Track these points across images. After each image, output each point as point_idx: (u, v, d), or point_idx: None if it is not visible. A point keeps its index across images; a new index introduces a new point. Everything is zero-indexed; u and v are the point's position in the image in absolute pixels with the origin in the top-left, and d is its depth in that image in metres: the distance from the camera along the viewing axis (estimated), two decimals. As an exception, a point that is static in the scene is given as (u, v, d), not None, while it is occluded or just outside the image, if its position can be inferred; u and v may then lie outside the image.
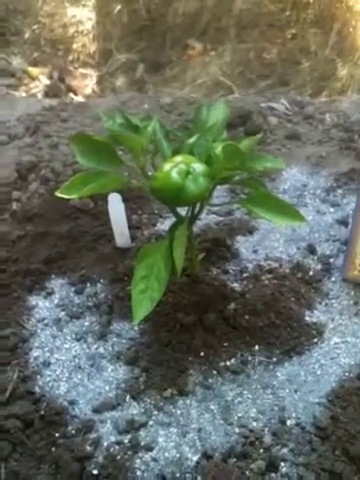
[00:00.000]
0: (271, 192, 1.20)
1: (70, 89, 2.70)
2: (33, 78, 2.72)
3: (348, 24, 2.67)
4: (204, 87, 2.67)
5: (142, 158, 0.86)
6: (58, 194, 0.77)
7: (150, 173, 0.90)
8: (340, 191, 1.24)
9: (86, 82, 2.82)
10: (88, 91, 2.77)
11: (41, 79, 2.72)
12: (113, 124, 0.84)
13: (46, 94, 2.60)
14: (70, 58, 2.92)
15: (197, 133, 0.87)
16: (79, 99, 2.60)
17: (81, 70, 2.86)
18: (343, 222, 1.16)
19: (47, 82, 2.69)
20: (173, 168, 0.81)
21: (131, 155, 0.89)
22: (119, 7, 2.95)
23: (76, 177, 0.79)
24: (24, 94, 2.56)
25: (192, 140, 0.85)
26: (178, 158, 0.83)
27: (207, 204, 0.92)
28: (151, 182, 0.83)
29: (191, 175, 0.81)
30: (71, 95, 2.66)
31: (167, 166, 0.82)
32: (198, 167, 0.81)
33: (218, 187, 0.91)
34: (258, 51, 2.73)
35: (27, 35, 2.95)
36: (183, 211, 0.93)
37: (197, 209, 0.91)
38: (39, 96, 2.54)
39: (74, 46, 2.94)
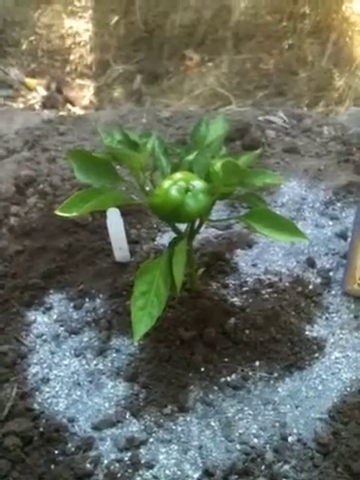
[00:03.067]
0: (270, 207, 1.21)
1: (68, 100, 2.70)
2: (30, 89, 2.72)
3: (344, 34, 2.68)
4: (202, 98, 2.68)
5: (141, 175, 0.86)
6: (58, 212, 0.76)
7: (148, 188, 0.91)
8: (339, 204, 1.24)
9: (84, 93, 2.83)
10: (86, 102, 2.77)
11: (39, 90, 2.72)
12: (112, 141, 0.84)
13: (44, 105, 2.60)
14: (67, 69, 2.93)
15: (196, 149, 0.88)
16: (77, 110, 2.60)
17: (79, 81, 2.87)
18: (342, 235, 1.16)
19: (44, 93, 2.70)
20: (172, 185, 0.81)
21: (129, 170, 0.89)
22: (116, 18, 2.96)
23: (76, 195, 0.79)
24: (22, 105, 2.56)
25: (191, 157, 0.85)
26: (177, 175, 0.83)
27: (206, 220, 0.92)
28: (151, 199, 0.83)
29: (190, 192, 0.81)
30: (69, 106, 2.66)
31: (166, 183, 0.82)
32: (197, 184, 0.82)
33: (217, 201, 0.91)
34: (255, 62, 2.74)
35: (24, 46, 2.95)
36: (183, 226, 0.93)
37: (196, 225, 0.91)
38: (37, 107, 2.54)
39: (71, 57, 2.94)
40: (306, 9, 2.69)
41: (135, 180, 0.89)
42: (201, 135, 0.92)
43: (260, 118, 1.49)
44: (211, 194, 0.84)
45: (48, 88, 2.71)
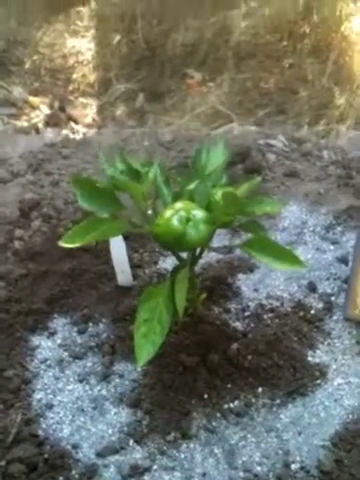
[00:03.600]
0: (271, 232, 1.22)
1: (70, 118, 2.72)
2: (34, 108, 2.74)
3: (344, 53, 2.70)
4: (203, 116, 2.69)
5: (143, 204, 0.87)
6: (62, 244, 0.78)
7: (150, 212, 0.92)
8: (339, 228, 1.25)
9: (86, 111, 2.85)
10: (88, 120, 2.79)
11: (42, 108, 2.74)
12: (115, 171, 0.86)
13: (47, 123, 2.62)
14: (70, 88, 2.95)
15: (197, 177, 0.89)
16: (80, 128, 2.62)
17: (81, 99, 2.89)
18: (343, 260, 1.16)
19: (48, 111, 2.72)
20: (174, 215, 0.83)
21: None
22: (118, 38, 2.99)
23: (78, 226, 0.80)
24: (25, 123, 2.59)
25: (192, 186, 0.87)
26: (178, 205, 0.84)
27: (207, 247, 0.93)
28: (152, 228, 0.85)
29: (192, 222, 0.83)
30: (72, 124, 2.68)
31: (168, 213, 0.83)
32: (198, 214, 0.83)
33: (219, 225, 0.92)
34: (256, 81, 2.75)
35: (28, 65, 2.98)
36: (185, 252, 0.94)
37: (198, 252, 0.93)
38: (40, 126, 2.56)
39: (74, 76, 2.97)
40: (306, 29, 2.72)
41: (137, 208, 0.90)
42: (202, 163, 0.94)
43: (260, 142, 1.51)
44: (212, 223, 0.85)
45: (51, 106, 2.73)
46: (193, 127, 2.11)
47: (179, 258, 0.93)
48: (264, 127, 1.89)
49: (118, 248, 1.10)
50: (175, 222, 0.82)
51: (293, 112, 2.59)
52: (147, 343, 0.85)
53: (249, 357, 0.97)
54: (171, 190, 0.91)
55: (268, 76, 2.72)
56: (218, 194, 0.85)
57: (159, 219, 0.84)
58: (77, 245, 0.80)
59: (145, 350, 0.84)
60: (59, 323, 1.09)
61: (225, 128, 2.32)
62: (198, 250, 0.93)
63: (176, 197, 0.89)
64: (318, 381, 0.96)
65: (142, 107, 2.78)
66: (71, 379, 0.99)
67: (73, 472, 0.85)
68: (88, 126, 2.68)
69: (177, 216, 0.83)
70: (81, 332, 1.07)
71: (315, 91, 2.61)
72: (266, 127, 2.01)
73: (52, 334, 1.07)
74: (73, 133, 2.30)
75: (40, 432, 0.91)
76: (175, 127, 2.10)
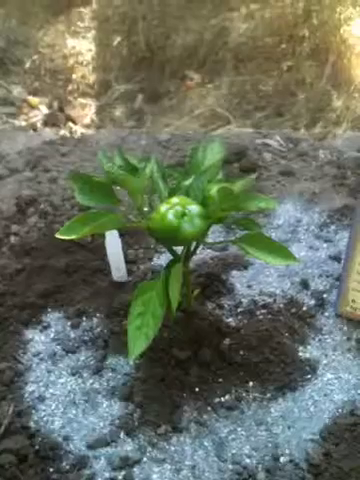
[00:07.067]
0: (266, 229, 1.23)
1: (69, 119, 2.73)
2: (33, 107, 2.76)
3: (343, 57, 2.73)
4: (202, 118, 2.71)
5: (140, 198, 0.88)
6: (58, 236, 0.79)
7: (146, 209, 0.93)
8: (333, 227, 1.26)
9: (85, 112, 2.86)
10: (87, 121, 2.80)
11: (41, 108, 2.76)
12: (112, 166, 0.87)
13: (45, 123, 2.64)
14: (70, 88, 2.96)
15: (193, 174, 0.90)
16: (78, 128, 2.63)
17: (80, 100, 2.90)
18: (336, 258, 1.17)
19: (46, 111, 2.73)
20: (169, 210, 0.84)
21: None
22: (119, 39, 3.01)
23: (75, 219, 0.81)
24: (24, 123, 2.60)
25: (188, 182, 0.88)
26: (174, 199, 0.85)
27: (202, 242, 0.94)
28: (148, 223, 0.86)
29: (187, 216, 0.84)
30: (70, 124, 2.69)
31: (163, 207, 0.84)
32: (194, 209, 0.84)
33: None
34: (255, 83, 2.77)
35: (27, 65, 2.99)
36: (179, 248, 0.95)
37: (193, 247, 0.93)
38: (38, 125, 2.58)
39: (74, 76, 2.98)
40: (305, 32, 2.74)
41: (133, 203, 0.91)
42: (198, 160, 0.94)
43: (257, 141, 1.52)
44: (207, 218, 0.86)
45: (50, 106, 2.74)
46: (190, 132, 2.12)
47: (173, 253, 0.94)
48: (261, 129, 1.90)
49: (114, 244, 1.10)
50: (170, 216, 0.83)
51: (291, 115, 2.61)
52: (140, 336, 0.85)
53: (241, 352, 0.98)
54: (167, 185, 0.92)
55: (267, 78, 2.74)
56: (213, 190, 0.86)
57: (155, 213, 0.85)
58: (73, 237, 0.80)
59: (138, 343, 0.85)
60: (53, 317, 1.09)
61: (223, 130, 2.34)
62: (193, 246, 0.94)
63: (172, 192, 0.90)
64: (308, 376, 0.97)
65: (141, 108, 2.80)
66: (64, 372, 0.99)
67: (63, 463, 0.86)
68: (87, 126, 2.70)
69: (172, 211, 0.84)
70: (75, 326, 1.08)
71: (313, 94, 2.63)
72: (263, 130, 2.03)
73: (45, 328, 1.08)
74: (71, 133, 2.32)
75: (32, 424, 0.91)
76: (172, 130, 2.11)
